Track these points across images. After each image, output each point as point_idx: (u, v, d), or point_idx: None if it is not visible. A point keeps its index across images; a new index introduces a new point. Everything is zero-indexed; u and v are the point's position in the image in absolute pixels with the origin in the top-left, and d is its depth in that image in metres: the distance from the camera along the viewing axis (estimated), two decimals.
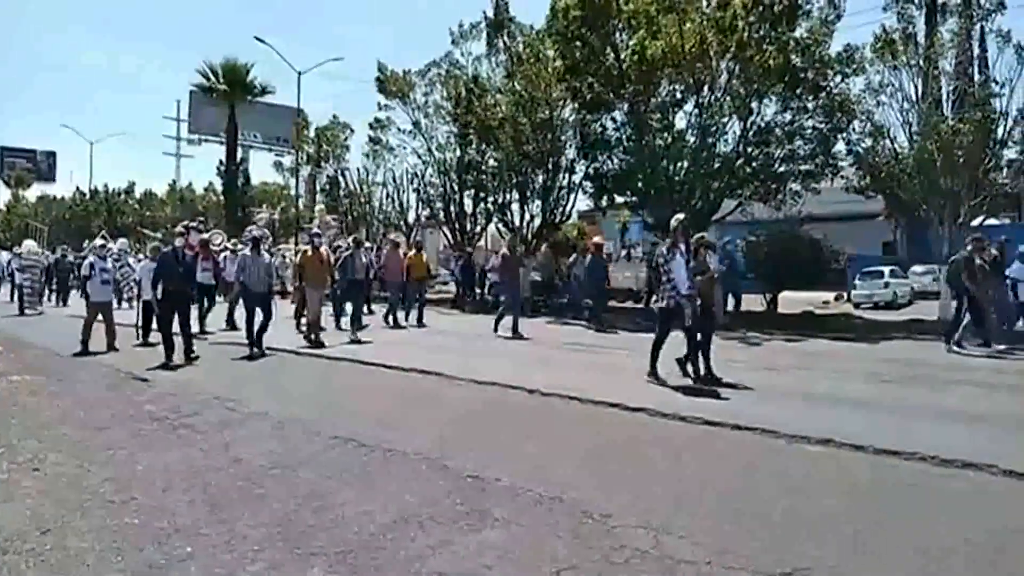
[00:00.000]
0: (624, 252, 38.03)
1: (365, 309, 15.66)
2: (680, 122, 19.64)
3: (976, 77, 17.15)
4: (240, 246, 16.92)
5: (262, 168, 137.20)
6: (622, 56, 19.15)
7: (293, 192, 36.88)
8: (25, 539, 4.05)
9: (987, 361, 10.68)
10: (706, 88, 18.71)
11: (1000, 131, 16.09)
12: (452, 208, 27.04)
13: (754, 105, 18.43)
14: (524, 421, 6.93)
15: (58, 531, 4.16)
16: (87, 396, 8.29)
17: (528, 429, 6.55)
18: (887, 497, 4.60)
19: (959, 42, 16.57)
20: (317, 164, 31.32)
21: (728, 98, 18.50)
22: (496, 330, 14.07)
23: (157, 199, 65.82)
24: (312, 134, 31.36)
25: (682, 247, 8.41)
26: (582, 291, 17.77)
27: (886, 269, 23.26)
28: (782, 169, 18.78)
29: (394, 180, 29.52)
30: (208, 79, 41.16)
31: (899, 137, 17.27)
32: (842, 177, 19.03)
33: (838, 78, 17.88)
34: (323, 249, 13.53)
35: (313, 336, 12.36)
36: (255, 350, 11.13)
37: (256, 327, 11.26)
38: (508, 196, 26.02)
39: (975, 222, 16.87)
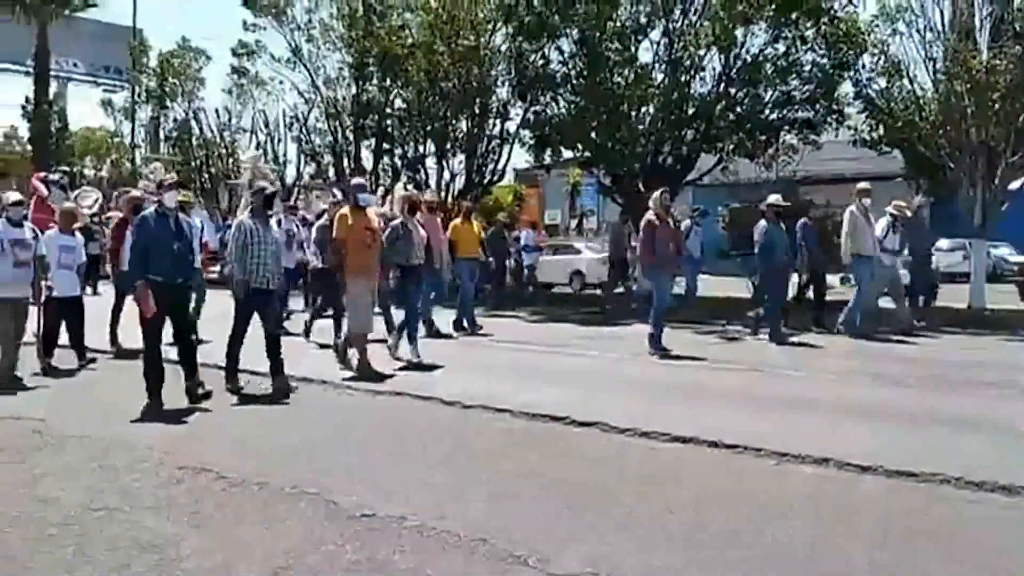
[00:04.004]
0: (575, 222, 38.13)
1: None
2: (645, 54, 19.93)
3: (1018, 1, 17.39)
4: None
5: (85, 108, 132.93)
6: None
7: (128, 140, 35.82)
8: None
9: None
10: (678, 11, 18.98)
11: None
12: (346, 163, 26.78)
13: (739, 33, 18.67)
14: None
15: None
16: None
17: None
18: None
19: None
20: (161, 103, 30.66)
21: (706, 24, 18.73)
22: (657, 344, 11.65)
23: None
24: (154, 63, 30.66)
25: None
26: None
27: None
28: (773, 116, 19.23)
29: (266, 126, 29.40)
30: None
31: (921, 76, 17.58)
32: (849, 127, 19.47)
33: (844, 0, 18.30)
34: (372, 212, 10.41)
35: (358, 358, 9.77)
36: (283, 386, 8.76)
37: (268, 344, 8.87)
38: (421, 148, 25.89)
39: (1014, 185, 16.81)
